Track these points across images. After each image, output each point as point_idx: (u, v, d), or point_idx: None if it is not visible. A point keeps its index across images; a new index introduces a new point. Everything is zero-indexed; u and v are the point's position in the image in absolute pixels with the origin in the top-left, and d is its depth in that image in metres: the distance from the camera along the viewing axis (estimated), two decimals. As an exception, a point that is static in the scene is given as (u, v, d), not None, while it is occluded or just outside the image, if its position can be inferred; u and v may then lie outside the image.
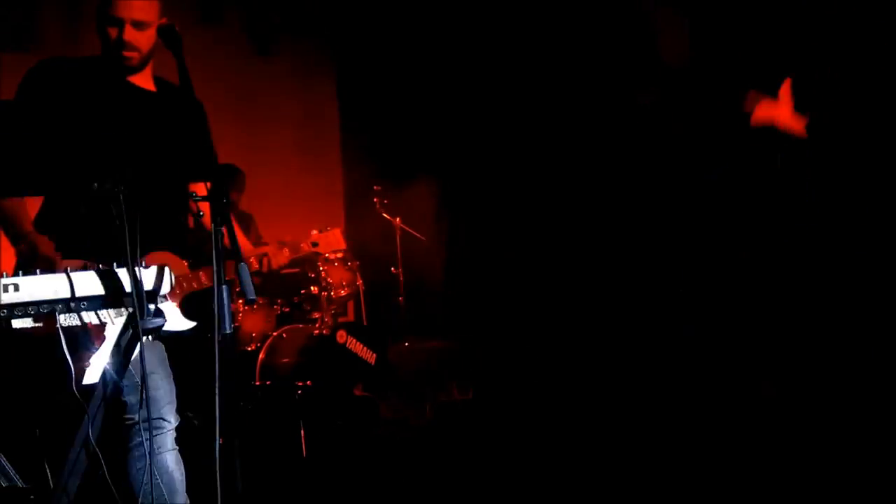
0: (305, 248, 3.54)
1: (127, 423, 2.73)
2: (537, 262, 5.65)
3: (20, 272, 2.16)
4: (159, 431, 2.75)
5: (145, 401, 2.44)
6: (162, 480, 2.72)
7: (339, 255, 5.54)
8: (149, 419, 2.56)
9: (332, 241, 3.81)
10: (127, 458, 2.75)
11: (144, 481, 2.57)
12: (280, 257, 3.28)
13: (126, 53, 2.72)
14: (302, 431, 4.64)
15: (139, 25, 2.70)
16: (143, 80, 2.85)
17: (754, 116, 3.27)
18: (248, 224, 5.84)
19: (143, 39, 2.72)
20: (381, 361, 5.23)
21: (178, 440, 2.85)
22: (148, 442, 2.53)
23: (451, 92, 6.09)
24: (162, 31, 2.61)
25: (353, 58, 6.92)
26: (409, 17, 6.19)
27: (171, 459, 2.79)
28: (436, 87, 6.18)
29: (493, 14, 5.66)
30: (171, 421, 2.80)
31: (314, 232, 3.80)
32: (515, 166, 5.77)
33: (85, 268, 2.24)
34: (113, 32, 2.69)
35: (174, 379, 2.84)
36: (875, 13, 3.34)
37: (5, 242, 2.79)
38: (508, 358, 5.61)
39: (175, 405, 2.84)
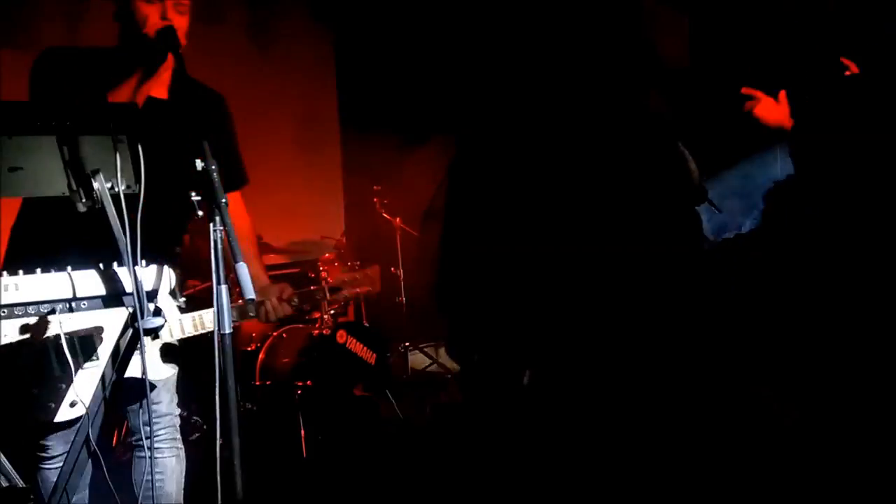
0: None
1: (135, 443, 2.78)
2: (538, 262, 5.64)
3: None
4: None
5: (147, 400, 2.44)
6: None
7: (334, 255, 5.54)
8: (149, 421, 2.56)
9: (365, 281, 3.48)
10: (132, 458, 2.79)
11: (145, 481, 2.59)
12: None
13: None
14: (302, 431, 4.64)
15: None
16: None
17: (764, 118, 3.27)
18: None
19: None
20: (381, 361, 5.22)
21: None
22: (148, 441, 2.54)
23: (452, 93, 6.09)
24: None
25: (353, 57, 6.92)
26: (410, 14, 6.19)
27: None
28: (437, 86, 6.17)
29: (492, 13, 5.66)
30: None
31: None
32: (516, 162, 5.76)
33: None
34: None
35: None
36: (875, 15, 3.34)
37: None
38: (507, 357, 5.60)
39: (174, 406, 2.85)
